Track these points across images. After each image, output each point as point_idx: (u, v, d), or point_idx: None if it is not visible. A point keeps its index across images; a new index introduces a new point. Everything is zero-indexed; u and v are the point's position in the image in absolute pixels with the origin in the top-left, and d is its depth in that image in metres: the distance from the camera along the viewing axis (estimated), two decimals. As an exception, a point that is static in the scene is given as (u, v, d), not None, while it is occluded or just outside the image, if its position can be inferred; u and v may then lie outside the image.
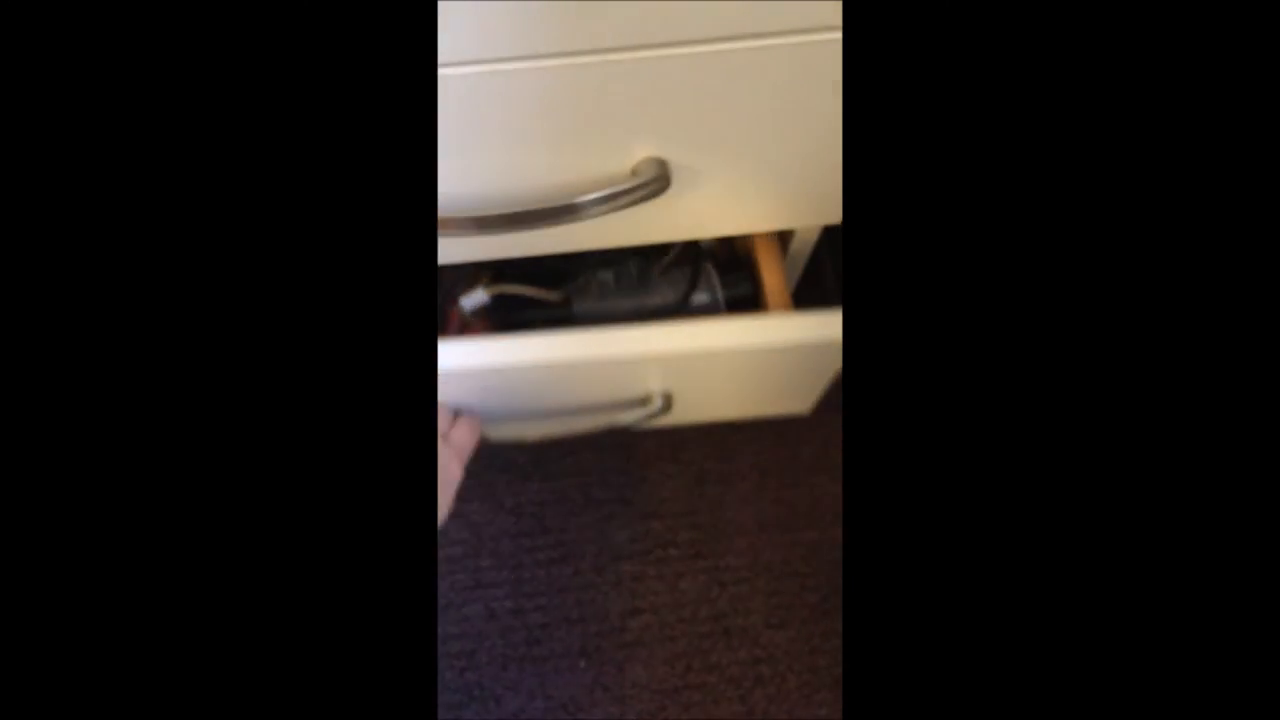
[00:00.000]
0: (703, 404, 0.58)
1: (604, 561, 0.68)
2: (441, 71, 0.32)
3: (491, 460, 0.71)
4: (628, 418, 0.54)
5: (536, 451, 0.71)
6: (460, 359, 0.46)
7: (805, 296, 0.66)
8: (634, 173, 0.39)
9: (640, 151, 0.39)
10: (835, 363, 0.52)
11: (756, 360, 0.49)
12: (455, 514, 0.69)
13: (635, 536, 0.68)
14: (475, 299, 0.58)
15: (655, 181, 0.38)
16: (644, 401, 0.54)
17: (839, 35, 0.33)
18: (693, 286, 0.56)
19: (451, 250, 0.47)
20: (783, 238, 0.57)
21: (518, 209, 0.39)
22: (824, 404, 0.73)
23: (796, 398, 0.60)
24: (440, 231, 0.39)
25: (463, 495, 0.70)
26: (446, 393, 0.50)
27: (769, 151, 0.40)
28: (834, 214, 0.47)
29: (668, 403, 0.53)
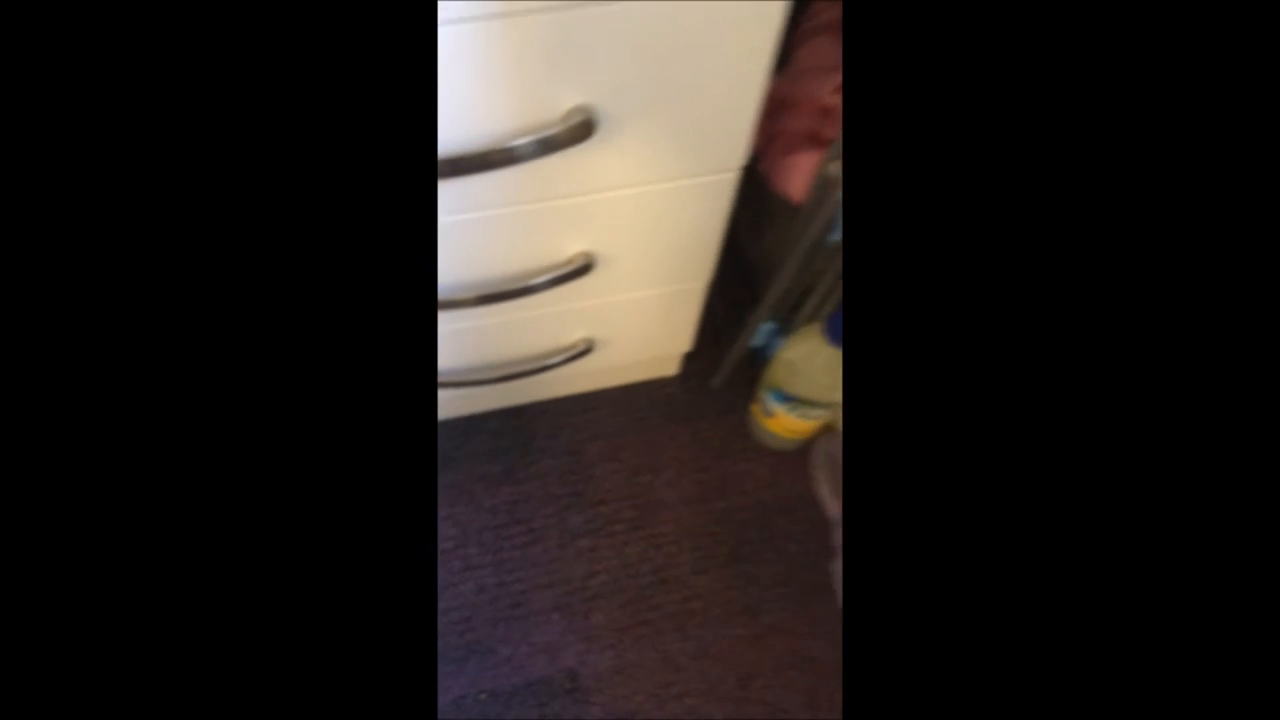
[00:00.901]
0: (614, 346, 0.78)
1: (566, 540, 0.87)
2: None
3: (471, 471, 0.90)
4: (557, 359, 0.75)
5: (506, 462, 0.91)
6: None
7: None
8: (564, 119, 0.45)
9: (568, 101, 0.44)
10: (698, 304, 0.75)
11: (649, 302, 0.70)
12: (444, 516, 0.88)
13: (588, 519, 0.89)
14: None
15: (582, 126, 0.44)
16: (570, 346, 0.75)
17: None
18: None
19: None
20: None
21: (459, 153, 0.44)
22: (724, 405, 0.96)
23: (678, 337, 0.84)
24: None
25: (449, 501, 0.89)
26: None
27: (682, 99, 0.46)
28: (737, 159, 0.54)
29: (589, 346, 0.74)
